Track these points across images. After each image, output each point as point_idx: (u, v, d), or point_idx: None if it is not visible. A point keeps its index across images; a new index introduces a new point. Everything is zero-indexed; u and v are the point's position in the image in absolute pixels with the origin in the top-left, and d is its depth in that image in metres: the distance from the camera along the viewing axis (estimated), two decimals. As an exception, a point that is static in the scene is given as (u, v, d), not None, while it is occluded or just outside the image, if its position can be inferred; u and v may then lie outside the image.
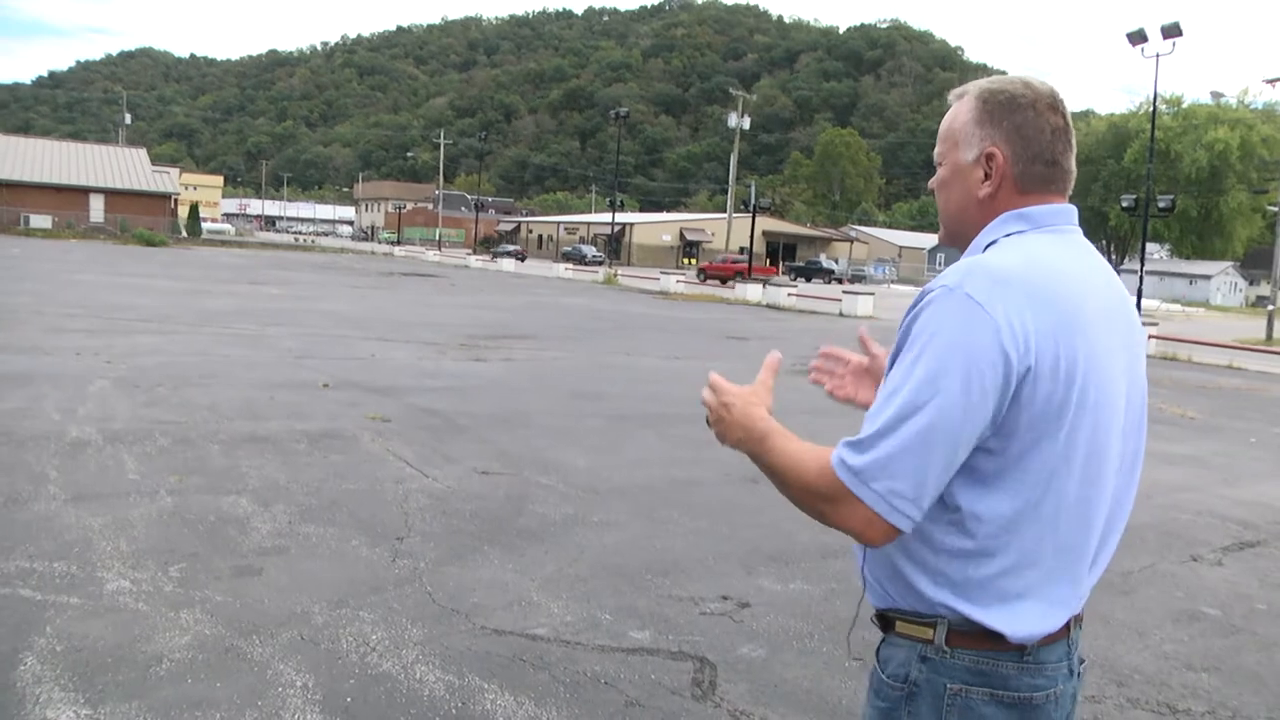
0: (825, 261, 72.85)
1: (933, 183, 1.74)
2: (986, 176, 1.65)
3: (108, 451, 7.07)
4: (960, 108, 1.69)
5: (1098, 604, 5.16)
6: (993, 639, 1.54)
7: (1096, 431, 1.54)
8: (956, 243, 1.72)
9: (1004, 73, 1.89)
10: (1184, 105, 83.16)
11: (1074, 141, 1.67)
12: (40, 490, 6.01)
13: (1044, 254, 1.57)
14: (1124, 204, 35.70)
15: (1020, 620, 1.54)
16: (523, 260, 66.89)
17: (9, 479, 6.19)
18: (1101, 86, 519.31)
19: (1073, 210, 1.67)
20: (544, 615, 4.51)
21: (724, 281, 49.80)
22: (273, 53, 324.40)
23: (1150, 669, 4.42)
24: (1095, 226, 78.43)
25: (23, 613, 4.15)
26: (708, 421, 1.70)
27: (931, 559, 1.56)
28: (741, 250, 53.68)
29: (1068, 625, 1.61)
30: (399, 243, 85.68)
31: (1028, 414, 1.47)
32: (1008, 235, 1.61)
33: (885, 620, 1.67)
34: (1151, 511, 7.22)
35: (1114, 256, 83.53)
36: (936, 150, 1.72)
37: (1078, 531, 1.56)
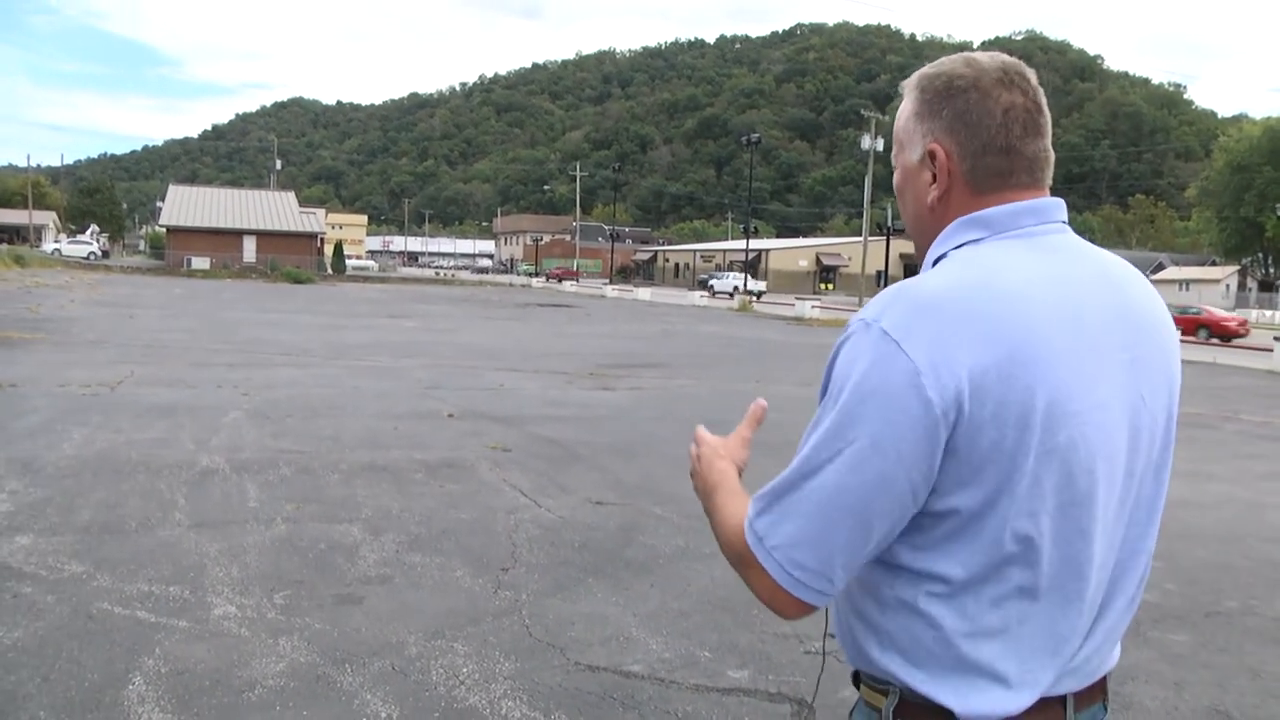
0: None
1: (896, 189, 1.51)
2: (934, 178, 1.38)
3: (233, 480, 7.28)
4: (904, 101, 1.44)
5: (1244, 654, 4.69)
6: (944, 716, 1.30)
7: (1073, 478, 1.26)
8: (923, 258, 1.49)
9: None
10: (1352, 106, 77.81)
11: (1043, 121, 1.37)
12: (168, 516, 6.22)
13: (997, 268, 1.28)
14: (1281, 213, 33.48)
15: (973, 697, 1.29)
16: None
17: (143, 505, 6.45)
18: (1255, 89, 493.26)
19: (1049, 206, 1.36)
20: (641, 651, 4.37)
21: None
22: (414, 95, 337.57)
23: (1309, 727, 3.96)
24: (1250, 239, 74.07)
25: (137, 634, 4.29)
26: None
27: (878, 618, 1.35)
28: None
29: (1061, 701, 1.35)
30: (537, 274, 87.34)
31: (969, 468, 1.22)
32: (958, 247, 1.34)
33: (855, 678, 1.47)
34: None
35: (1272, 270, 78.66)
36: (892, 152, 1.49)
37: (1056, 595, 1.30)
